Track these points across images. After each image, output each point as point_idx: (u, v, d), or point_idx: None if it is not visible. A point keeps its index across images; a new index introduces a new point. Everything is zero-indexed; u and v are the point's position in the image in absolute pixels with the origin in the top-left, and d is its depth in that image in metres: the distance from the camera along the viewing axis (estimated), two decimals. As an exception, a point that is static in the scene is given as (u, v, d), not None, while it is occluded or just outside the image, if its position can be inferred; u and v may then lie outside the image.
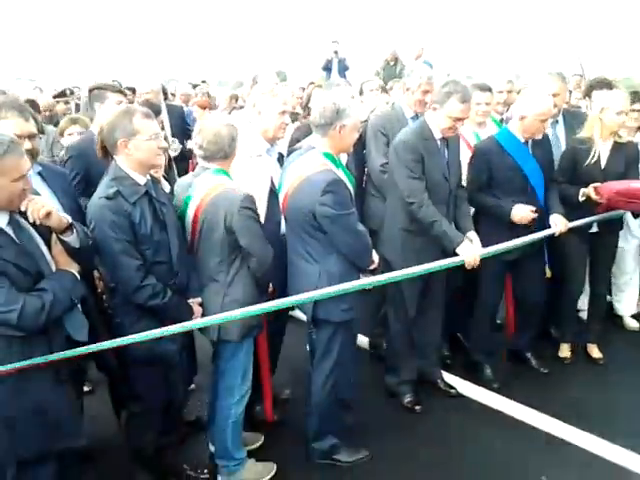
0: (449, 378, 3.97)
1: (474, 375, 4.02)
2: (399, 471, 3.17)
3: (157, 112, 3.65)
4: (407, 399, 3.71)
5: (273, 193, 3.16)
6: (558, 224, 3.65)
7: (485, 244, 3.46)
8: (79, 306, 2.47)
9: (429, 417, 3.63)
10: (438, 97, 3.36)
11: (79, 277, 2.41)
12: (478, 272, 3.83)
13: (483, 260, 3.58)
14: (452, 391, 3.85)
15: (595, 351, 4.29)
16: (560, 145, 4.15)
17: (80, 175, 3.40)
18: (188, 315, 2.71)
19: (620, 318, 4.79)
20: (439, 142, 3.45)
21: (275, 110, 3.24)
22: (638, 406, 3.73)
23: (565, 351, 4.29)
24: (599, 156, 3.84)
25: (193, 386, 3.66)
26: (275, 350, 3.61)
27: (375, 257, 3.16)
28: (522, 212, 3.59)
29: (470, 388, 3.93)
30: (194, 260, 2.85)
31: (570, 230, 3.71)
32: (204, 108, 6.71)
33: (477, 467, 3.20)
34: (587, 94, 4.71)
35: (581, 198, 3.77)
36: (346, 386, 3.20)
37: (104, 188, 2.59)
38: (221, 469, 3.04)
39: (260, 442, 3.36)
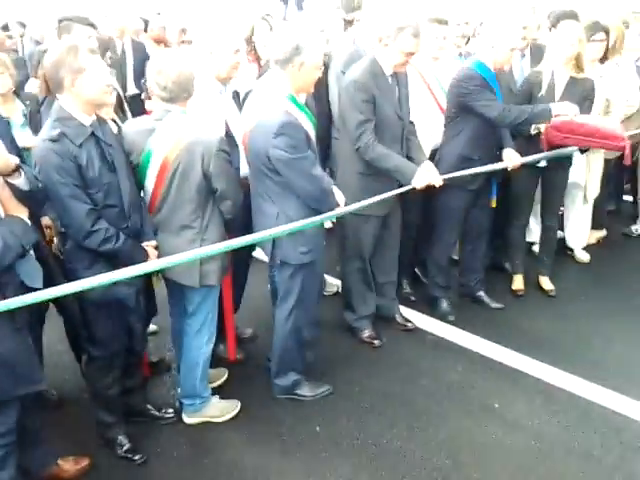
0: (407, 312, 4.09)
1: (431, 309, 4.15)
2: (359, 403, 3.29)
3: (106, 49, 3.50)
4: (366, 334, 3.81)
5: (229, 137, 3.09)
6: (512, 159, 3.71)
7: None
8: (32, 252, 2.41)
9: (387, 350, 3.75)
10: (389, 32, 3.25)
11: (29, 222, 2.35)
12: (436, 207, 3.93)
13: (442, 195, 3.69)
14: (409, 325, 3.97)
15: (546, 283, 4.45)
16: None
17: None
18: (143, 259, 2.66)
19: (572, 251, 4.96)
20: (390, 79, 3.39)
21: (228, 49, 3.11)
22: (586, 335, 3.92)
23: (518, 283, 4.43)
24: (554, 89, 3.88)
25: (155, 327, 3.69)
26: (239, 291, 3.64)
27: (340, 199, 3.09)
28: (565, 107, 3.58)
29: (427, 321, 4.06)
30: (160, 209, 2.77)
31: (521, 164, 3.79)
32: (159, 43, 6.34)
33: (433, 396, 3.34)
34: (553, 25, 4.67)
35: (533, 131, 3.83)
36: (309, 326, 3.26)
37: (48, 130, 2.47)
38: (187, 407, 3.11)
39: (224, 378, 3.43)
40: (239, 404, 3.21)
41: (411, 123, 3.62)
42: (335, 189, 3.07)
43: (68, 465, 2.77)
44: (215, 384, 3.32)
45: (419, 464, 2.86)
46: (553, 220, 4.37)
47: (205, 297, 2.94)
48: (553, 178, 4.16)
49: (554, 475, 2.79)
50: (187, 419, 3.12)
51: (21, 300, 2.24)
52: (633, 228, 5.43)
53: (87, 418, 2.98)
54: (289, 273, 3.08)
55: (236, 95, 3.36)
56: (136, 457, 2.89)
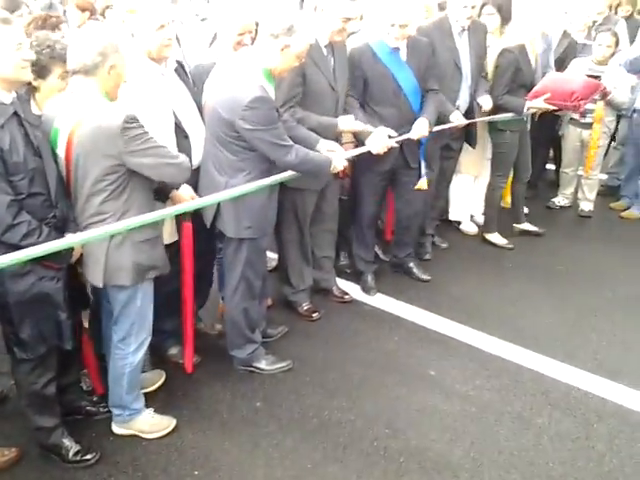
0: (344, 284, 4.11)
1: (358, 283, 4.18)
2: (299, 376, 3.29)
3: (16, 7, 3.20)
4: (304, 307, 3.81)
5: (179, 128, 2.91)
6: (415, 129, 3.69)
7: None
8: None
9: (325, 323, 3.78)
10: None
11: None
12: (355, 185, 4.00)
13: (361, 172, 3.82)
14: (346, 297, 4.00)
15: (528, 226, 5.09)
16: (466, 52, 4.17)
17: None
18: (67, 254, 2.46)
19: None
20: (324, 49, 3.33)
21: (150, 27, 2.75)
22: (514, 301, 4.09)
23: (497, 238, 4.86)
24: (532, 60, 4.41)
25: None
26: (205, 286, 3.47)
27: (338, 162, 3.10)
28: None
29: (364, 293, 4.11)
30: (72, 199, 2.52)
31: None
32: (84, 10, 5.66)
33: (371, 367, 3.39)
34: None
35: (526, 109, 4.37)
36: (254, 301, 3.22)
37: None
38: (115, 417, 2.86)
39: (159, 383, 3.18)
40: (174, 422, 2.91)
41: (351, 96, 3.59)
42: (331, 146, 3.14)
43: (-5, 455, 2.61)
44: (149, 389, 3.08)
45: (359, 434, 2.90)
46: (527, 174, 4.89)
47: (128, 301, 2.61)
48: (524, 138, 4.65)
49: (487, 437, 2.90)
50: (116, 428, 2.86)
51: None
52: (555, 200, 5.65)
53: (17, 409, 2.75)
54: (233, 247, 3.04)
55: (180, 67, 3.04)
56: (88, 456, 2.68)
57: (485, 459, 2.76)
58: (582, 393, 3.19)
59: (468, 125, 4.23)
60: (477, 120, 4.25)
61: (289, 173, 3.01)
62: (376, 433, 2.91)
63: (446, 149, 4.39)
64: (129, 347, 2.70)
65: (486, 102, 4.27)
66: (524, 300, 4.10)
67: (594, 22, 5.48)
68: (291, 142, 2.88)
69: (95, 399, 2.99)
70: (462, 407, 3.09)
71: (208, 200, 2.87)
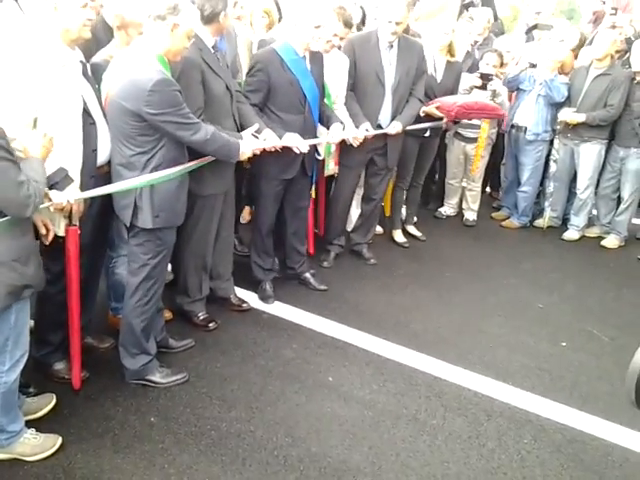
0: (241, 293, 4.05)
1: (256, 291, 4.13)
2: (196, 389, 3.19)
3: None
4: (200, 317, 3.70)
5: (87, 114, 2.77)
6: (332, 132, 3.90)
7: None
8: None
9: (223, 333, 3.69)
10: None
11: None
12: (254, 195, 3.99)
13: (263, 180, 3.80)
14: (244, 305, 3.93)
15: (413, 230, 5.40)
16: (392, 68, 4.24)
17: None
18: None
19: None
20: (212, 49, 3.30)
21: (76, 4, 2.72)
22: (407, 306, 4.21)
23: (399, 236, 5.23)
24: (435, 71, 4.72)
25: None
26: (90, 298, 3.22)
27: (246, 148, 3.13)
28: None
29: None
30: None
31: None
32: None
33: (270, 375, 3.35)
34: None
35: (421, 113, 4.53)
36: (154, 303, 3.10)
37: None
38: None
39: (49, 407, 2.91)
40: (59, 441, 2.72)
41: (239, 92, 3.57)
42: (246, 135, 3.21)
43: None
44: (37, 415, 2.84)
45: (259, 444, 2.85)
46: (420, 180, 5.23)
47: None
48: (427, 147, 4.97)
49: (385, 441, 2.95)
50: None
51: None
52: (442, 210, 5.92)
53: None
54: (141, 241, 2.93)
55: (84, 67, 2.89)
56: None
57: (383, 462, 2.81)
58: (472, 393, 3.34)
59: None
60: (375, 132, 4.23)
61: (201, 160, 3.00)
62: (276, 442, 2.88)
63: (372, 164, 4.52)
64: (3, 365, 2.46)
65: (393, 128, 4.27)
66: (416, 305, 4.24)
67: (475, 42, 5.84)
68: (198, 120, 2.89)
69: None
70: (360, 412, 3.13)
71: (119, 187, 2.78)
